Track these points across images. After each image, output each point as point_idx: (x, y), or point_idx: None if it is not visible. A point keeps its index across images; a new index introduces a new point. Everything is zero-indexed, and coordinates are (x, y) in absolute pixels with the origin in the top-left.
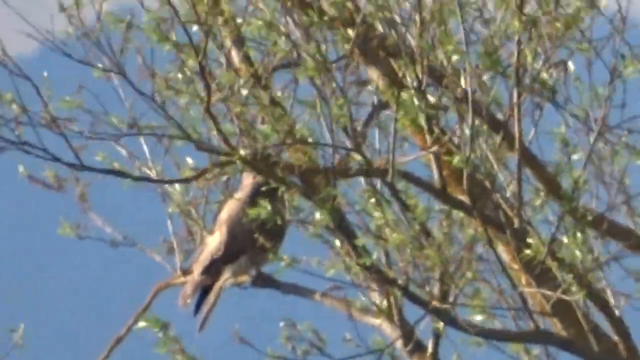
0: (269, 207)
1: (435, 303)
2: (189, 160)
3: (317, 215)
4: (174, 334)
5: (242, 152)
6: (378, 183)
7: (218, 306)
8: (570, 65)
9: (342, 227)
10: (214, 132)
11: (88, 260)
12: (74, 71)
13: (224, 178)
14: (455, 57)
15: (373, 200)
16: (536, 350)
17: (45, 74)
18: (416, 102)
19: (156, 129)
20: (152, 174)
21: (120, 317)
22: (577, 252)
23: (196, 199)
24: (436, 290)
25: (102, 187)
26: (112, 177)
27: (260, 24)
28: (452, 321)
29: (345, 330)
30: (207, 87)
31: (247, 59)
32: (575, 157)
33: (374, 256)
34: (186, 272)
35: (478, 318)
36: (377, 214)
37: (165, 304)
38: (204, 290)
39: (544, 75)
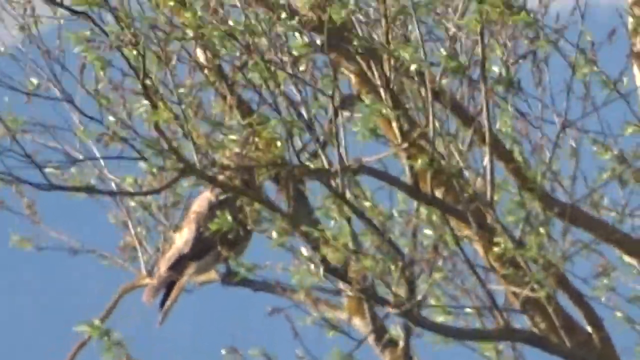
0: (229, 218)
1: (396, 308)
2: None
3: (275, 228)
4: (118, 339)
5: (197, 166)
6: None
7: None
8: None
9: (306, 224)
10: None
11: (50, 271)
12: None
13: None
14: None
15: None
16: (503, 346)
17: None
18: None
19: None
20: (112, 185)
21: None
22: (546, 242)
23: (156, 201)
24: (402, 291)
25: (44, 199)
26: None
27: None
28: (419, 322)
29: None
30: (154, 107)
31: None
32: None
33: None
34: (151, 273)
35: (441, 319)
36: (333, 221)
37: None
38: (169, 287)
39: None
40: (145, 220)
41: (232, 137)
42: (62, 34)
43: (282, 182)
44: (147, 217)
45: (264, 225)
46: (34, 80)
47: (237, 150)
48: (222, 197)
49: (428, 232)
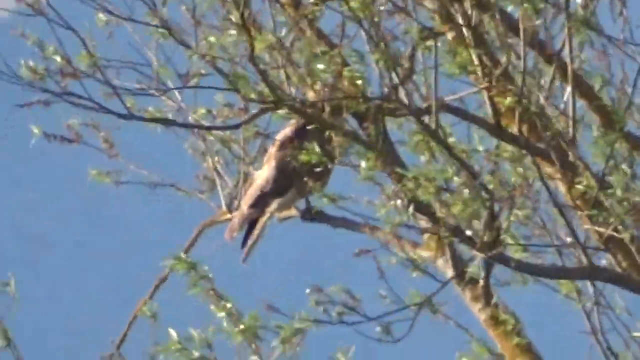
0: (318, 150)
1: (482, 249)
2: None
3: (366, 159)
4: (204, 273)
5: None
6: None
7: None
8: None
9: (393, 164)
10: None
11: (127, 205)
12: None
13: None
14: None
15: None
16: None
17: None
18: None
19: (202, 80)
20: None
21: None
22: (630, 182)
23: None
24: (487, 230)
25: (121, 136)
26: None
27: None
28: (502, 260)
29: (379, 286)
30: (250, 38)
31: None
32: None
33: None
34: (231, 209)
35: (517, 256)
36: (423, 156)
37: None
38: (251, 224)
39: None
40: (224, 153)
41: (321, 66)
42: None
43: (370, 117)
44: (225, 151)
45: (351, 159)
46: (103, 17)
47: (327, 82)
48: (302, 131)
49: (509, 169)
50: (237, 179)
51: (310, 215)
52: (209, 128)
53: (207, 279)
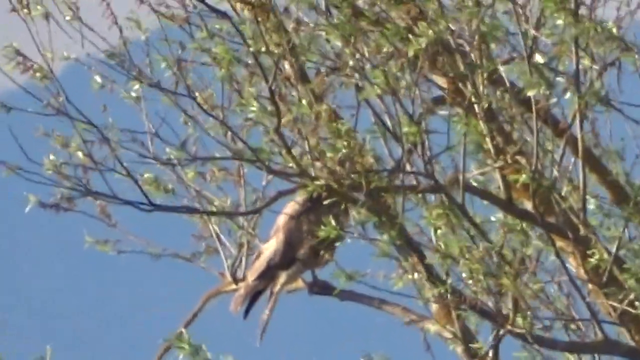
0: (336, 225)
1: (509, 325)
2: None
3: (385, 234)
4: (206, 356)
5: (314, 173)
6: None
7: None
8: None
9: (409, 243)
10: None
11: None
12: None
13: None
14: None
15: (440, 214)
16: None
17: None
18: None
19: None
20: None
21: (169, 325)
22: None
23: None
24: (508, 306)
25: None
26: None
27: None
28: (518, 334)
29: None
30: (277, 110)
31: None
32: None
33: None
34: (236, 279)
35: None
36: (444, 229)
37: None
38: (254, 296)
39: (599, 81)
40: (226, 222)
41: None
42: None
43: (390, 190)
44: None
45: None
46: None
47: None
48: (313, 204)
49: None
50: (239, 248)
51: (318, 288)
52: (230, 214)
53: None
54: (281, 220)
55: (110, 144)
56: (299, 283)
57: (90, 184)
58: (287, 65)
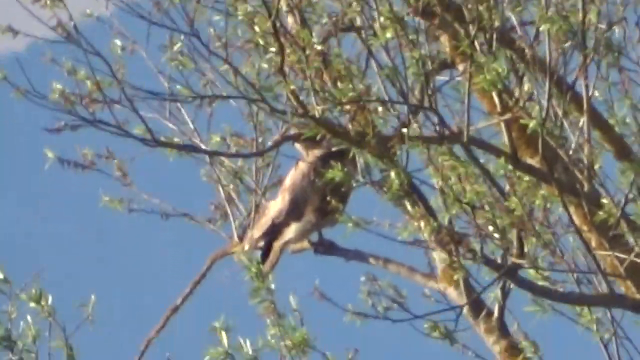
0: (343, 169)
1: (514, 260)
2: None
3: (392, 178)
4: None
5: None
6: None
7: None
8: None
9: (414, 189)
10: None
11: (140, 235)
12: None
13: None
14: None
15: (449, 163)
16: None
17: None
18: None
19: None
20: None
21: (177, 287)
22: None
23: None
24: (514, 250)
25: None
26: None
27: None
28: (525, 285)
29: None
30: (281, 47)
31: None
32: None
33: (447, 218)
34: (242, 240)
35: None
36: (453, 177)
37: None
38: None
39: (607, 35)
40: (236, 183)
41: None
42: None
43: (397, 139)
44: (237, 182)
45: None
46: (118, 42)
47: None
48: (321, 161)
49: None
50: (249, 210)
51: (323, 247)
52: (233, 155)
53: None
54: (288, 180)
55: (117, 77)
56: (304, 243)
57: (95, 115)
58: (290, 20)
